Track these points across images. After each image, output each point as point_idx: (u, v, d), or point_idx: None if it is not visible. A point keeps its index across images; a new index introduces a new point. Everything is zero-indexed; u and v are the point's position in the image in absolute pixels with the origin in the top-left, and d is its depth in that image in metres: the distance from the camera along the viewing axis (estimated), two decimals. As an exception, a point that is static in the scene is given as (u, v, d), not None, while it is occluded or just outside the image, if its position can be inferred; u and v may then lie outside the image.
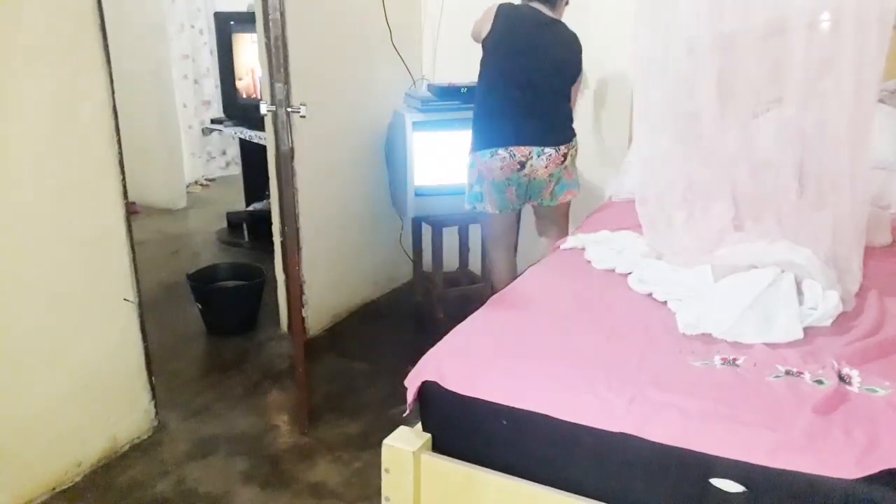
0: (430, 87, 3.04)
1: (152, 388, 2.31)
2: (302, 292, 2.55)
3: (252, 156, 4.10)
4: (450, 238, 3.21)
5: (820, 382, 1.31)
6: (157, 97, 4.59)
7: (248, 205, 4.39)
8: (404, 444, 1.43)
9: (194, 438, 2.30)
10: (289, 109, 2.09)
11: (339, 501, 2.01)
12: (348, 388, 2.61)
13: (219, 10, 4.16)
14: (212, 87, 5.12)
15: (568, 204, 2.70)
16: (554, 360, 1.44)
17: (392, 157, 3.10)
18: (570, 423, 1.31)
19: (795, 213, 1.75)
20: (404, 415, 1.52)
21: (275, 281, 2.99)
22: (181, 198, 4.91)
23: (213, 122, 4.36)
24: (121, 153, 2.07)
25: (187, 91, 5.12)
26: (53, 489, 2.01)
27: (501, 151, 2.47)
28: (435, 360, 1.48)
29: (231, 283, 3.14)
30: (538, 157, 2.48)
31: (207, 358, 2.90)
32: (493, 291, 2.57)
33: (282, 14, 2.03)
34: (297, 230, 2.31)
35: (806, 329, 1.51)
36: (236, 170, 5.28)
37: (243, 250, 4.07)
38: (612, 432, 1.27)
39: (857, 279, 1.70)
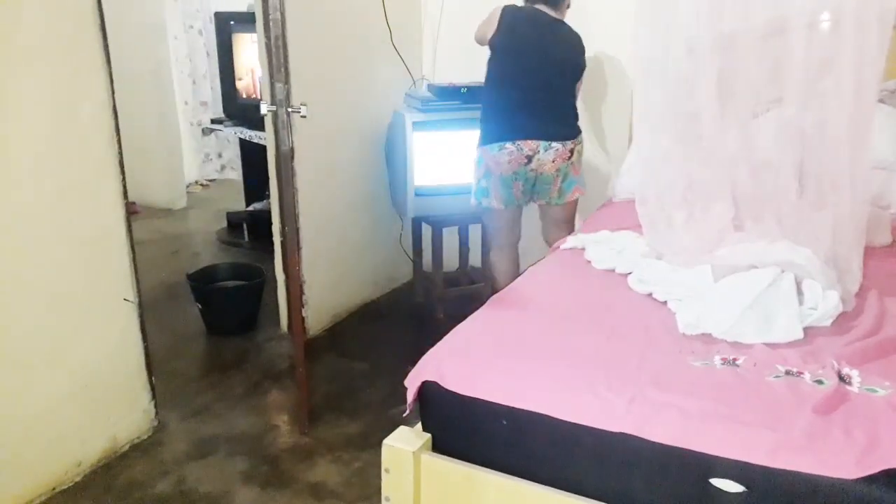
0: (430, 87, 3.04)
1: (152, 388, 2.31)
2: (302, 292, 2.55)
3: (252, 156, 4.10)
4: (450, 238, 3.21)
5: (820, 382, 1.31)
6: (157, 97, 4.59)
7: (248, 205, 4.39)
8: (404, 444, 1.43)
9: (194, 438, 2.30)
10: (289, 109, 2.09)
11: (339, 501, 2.01)
12: (348, 388, 2.61)
13: (219, 10, 4.15)
14: (208, 88, 5.12)
15: (575, 204, 2.74)
16: (554, 360, 1.44)
17: (392, 157, 3.10)
18: (570, 423, 1.31)
19: (795, 213, 1.75)
20: (404, 415, 1.52)
21: (275, 281, 2.99)
22: (181, 198, 4.91)
23: (213, 121, 4.36)
24: (121, 153, 2.07)
25: (188, 91, 5.12)
26: (53, 489, 2.01)
27: (509, 145, 2.51)
28: (435, 360, 1.48)
29: (231, 283, 3.14)
30: (545, 151, 2.52)
31: (207, 358, 2.90)
32: (495, 289, 2.58)
33: (282, 14, 2.03)
34: (297, 230, 2.31)
35: (806, 329, 1.51)
36: (232, 174, 5.29)
37: (243, 250, 4.07)
38: (612, 432, 1.27)
39: (857, 279, 1.70)
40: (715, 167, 1.83)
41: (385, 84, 3.20)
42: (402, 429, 1.49)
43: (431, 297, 3.20)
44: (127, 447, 2.23)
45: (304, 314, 2.73)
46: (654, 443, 1.24)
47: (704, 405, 1.25)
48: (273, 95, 2.09)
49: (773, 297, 1.55)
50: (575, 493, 1.31)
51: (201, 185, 5.42)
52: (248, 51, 3.89)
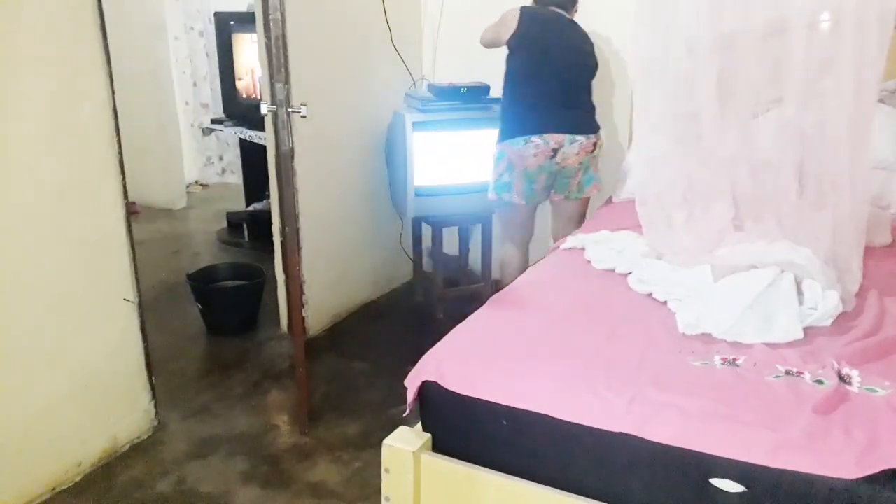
0: (430, 88, 3.04)
1: (152, 388, 2.31)
2: (302, 292, 2.55)
3: (252, 156, 4.10)
4: (450, 238, 3.21)
5: (820, 382, 1.31)
6: (157, 97, 4.59)
7: (248, 205, 4.39)
8: (404, 444, 1.43)
9: (194, 438, 2.30)
10: (289, 109, 2.09)
11: (339, 501, 2.01)
12: (348, 388, 2.61)
13: (218, 10, 4.15)
14: (209, 90, 5.10)
15: (588, 201, 2.78)
16: (554, 360, 1.44)
17: (392, 157, 3.10)
18: (570, 423, 1.31)
19: (795, 213, 1.75)
20: (404, 415, 1.52)
21: (275, 281, 2.99)
22: (181, 198, 4.91)
23: (213, 121, 4.36)
24: (121, 153, 2.07)
25: (189, 91, 5.11)
26: (54, 489, 2.01)
27: (535, 139, 2.55)
28: (435, 360, 1.48)
29: (231, 283, 3.14)
30: (570, 144, 2.57)
31: (207, 358, 2.90)
32: (500, 286, 2.58)
33: (282, 14, 2.03)
34: (297, 230, 2.31)
35: (806, 329, 1.51)
36: (232, 177, 5.27)
37: (243, 250, 4.07)
38: (612, 432, 1.27)
39: (857, 279, 1.70)
40: (715, 167, 1.83)
41: (385, 84, 3.20)
42: (402, 429, 1.49)
43: (431, 297, 3.20)
44: (127, 447, 2.23)
45: (304, 314, 2.73)
46: (654, 443, 1.24)
47: (704, 405, 1.25)
48: (273, 95, 2.09)
49: (773, 297, 1.55)
50: (575, 493, 1.31)
51: (201, 185, 5.42)
52: (249, 51, 3.89)
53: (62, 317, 1.99)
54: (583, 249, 2.06)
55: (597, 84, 3.04)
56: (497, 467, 1.38)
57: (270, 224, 2.95)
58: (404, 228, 3.41)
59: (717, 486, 1.19)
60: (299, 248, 2.31)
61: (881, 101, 2.34)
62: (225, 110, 4.19)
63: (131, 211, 2.20)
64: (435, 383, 1.45)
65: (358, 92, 3.10)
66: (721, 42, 1.77)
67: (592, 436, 1.29)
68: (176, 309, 3.20)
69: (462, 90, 2.92)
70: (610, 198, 2.79)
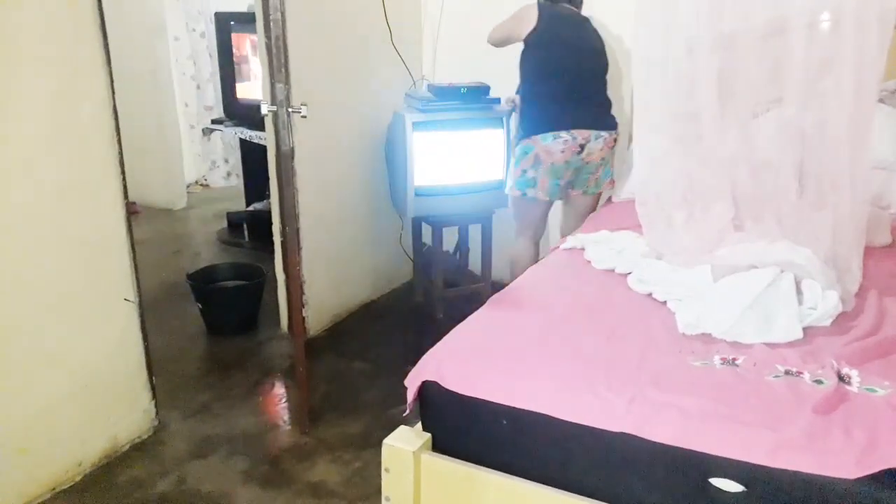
0: (430, 88, 3.04)
1: (153, 388, 2.31)
2: (302, 292, 2.55)
3: (252, 156, 4.11)
4: (450, 238, 3.21)
5: (819, 382, 1.31)
6: (157, 97, 4.59)
7: (248, 205, 4.39)
8: (404, 444, 1.43)
9: (195, 438, 2.30)
10: (289, 110, 2.09)
11: (340, 501, 2.02)
12: (348, 388, 2.61)
13: (219, 10, 4.15)
14: (212, 91, 5.05)
15: (600, 196, 2.82)
16: (554, 360, 1.44)
17: (392, 157, 3.10)
18: (570, 423, 1.31)
19: (795, 213, 1.75)
20: (404, 414, 1.53)
21: (275, 281, 2.99)
22: (181, 198, 4.91)
23: (213, 122, 4.37)
24: (121, 153, 2.07)
25: (191, 92, 5.09)
26: (54, 489, 2.01)
27: (564, 134, 2.58)
28: (435, 360, 1.48)
29: (231, 283, 3.14)
30: (595, 139, 2.61)
31: (208, 358, 2.90)
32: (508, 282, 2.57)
33: (282, 14, 2.03)
34: (298, 230, 2.31)
35: (805, 329, 1.51)
36: (237, 181, 5.24)
37: (243, 250, 4.07)
38: (612, 432, 1.27)
39: (857, 279, 1.70)
40: (715, 167, 1.83)
41: (385, 84, 3.20)
42: (402, 428, 1.49)
43: (431, 297, 3.20)
44: (127, 447, 2.23)
45: (304, 314, 2.73)
46: (653, 443, 1.24)
47: (704, 405, 1.25)
48: (273, 96, 2.09)
49: (773, 297, 1.55)
50: (575, 492, 1.31)
51: (201, 185, 5.42)
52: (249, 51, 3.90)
53: (62, 317, 2.00)
54: (583, 249, 2.06)
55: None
56: (497, 467, 1.38)
57: (270, 224, 2.95)
58: (404, 228, 3.41)
59: (717, 485, 1.19)
60: (299, 248, 2.32)
61: (881, 101, 2.34)
62: (225, 110, 4.19)
63: (131, 211, 2.20)
64: (435, 383, 1.45)
65: (358, 92, 3.10)
66: (721, 42, 1.77)
67: (592, 436, 1.29)
68: (176, 309, 3.20)
69: (462, 90, 2.92)
70: (610, 198, 2.80)
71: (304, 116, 2.12)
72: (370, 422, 2.38)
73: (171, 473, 2.13)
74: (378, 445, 1.46)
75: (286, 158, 2.16)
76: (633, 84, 1.89)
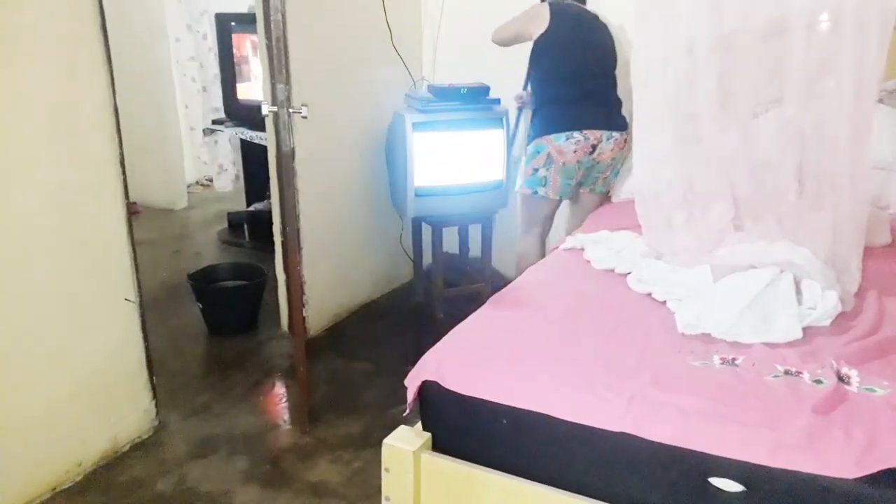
0: (430, 88, 3.04)
1: (153, 388, 2.31)
2: (302, 292, 2.55)
3: (253, 156, 4.11)
4: (450, 238, 3.21)
5: (819, 382, 1.31)
6: (158, 97, 4.59)
7: (248, 205, 4.39)
8: (404, 444, 1.43)
9: (195, 438, 2.30)
10: (290, 110, 2.10)
11: (340, 501, 2.02)
12: (348, 388, 2.62)
13: (219, 11, 4.15)
14: (219, 93, 4.97)
15: (607, 196, 2.82)
16: (554, 360, 1.44)
17: (392, 158, 3.11)
18: (569, 422, 1.31)
19: (795, 213, 1.75)
20: (404, 414, 1.53)
21: (275, 281, 2.99)
22: (182, 198, 4.91)
23: (214, 122, 4.37)
24: (122, 153, 2.07)
25: (191, 93, 5.07)
26: (54, 489, 2.01)
27: (577, 135, 2.59)
28: (435, 360, 1.49)
29: (232, 283, 3.14)
30: (607, 140, 2.62)
31: (208, 358, 2.90)
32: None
33: (283, 15, 2.03)
34: (298, 230, 2.32)
35: (805, 329, 1.51)
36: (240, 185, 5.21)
37: (244, 250, 4.07)
38: (611, 432, 1.27)
39: (856, 279, 1.70)
40: (715, 167, 1.83)
41: (385, 84, 3.20)
42: (402, 428, 1.49)
43: (431, 297, 3.20)
44: (128, 447, 2.23)
45: (304, 314, 2.73)
46: (653, 442, 1.24)
47: (704, 405, 1.26)
48: (274, 96, 2.09)
49: (772, 297, 1.55)
50: (575, 492, 1.31)
51: (202, 184, 5.42)
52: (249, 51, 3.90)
53: (63, 317, 2.00)
54: (582, 249, 2.06)
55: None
56: (497, 467, 1.38)
57: (271, 224, 2.95)
58: (404, 228, 3.41)
59: (717, 485, 1.20)
60: (300, 248, 2.32)
61: (881, 101, 2.34)
62: (226, 111, 4.19)
63: (132, 211, 2.20)
64: (435, 383, 1.45)
65: (358, 92, 3.10)
66: (721, 42, 1.77)
67: (592, 435, 1.29)
68: (177, 309, 3.20)
69: (462, 90, 2.92)
70: (609, 197, 2.80)
71: (304, 117, 2.12)
72: (370, 422, 2.38)
73: (172, 473, 2.13)
74: (378, 445, 1.47)
75: (287, 159, 2.17)
76: (633, 84, 1.89)
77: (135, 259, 2.17)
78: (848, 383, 1.31)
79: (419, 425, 1.50)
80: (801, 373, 1.35)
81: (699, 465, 1.21)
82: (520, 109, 2.99)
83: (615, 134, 2.63)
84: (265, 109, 2.19)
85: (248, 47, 3.92)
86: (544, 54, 2.65)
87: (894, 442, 1.13)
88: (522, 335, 1.56)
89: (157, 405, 2.33)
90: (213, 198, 5.14)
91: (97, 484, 2.07)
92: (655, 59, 1.85)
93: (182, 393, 2.56)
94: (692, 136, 1.85)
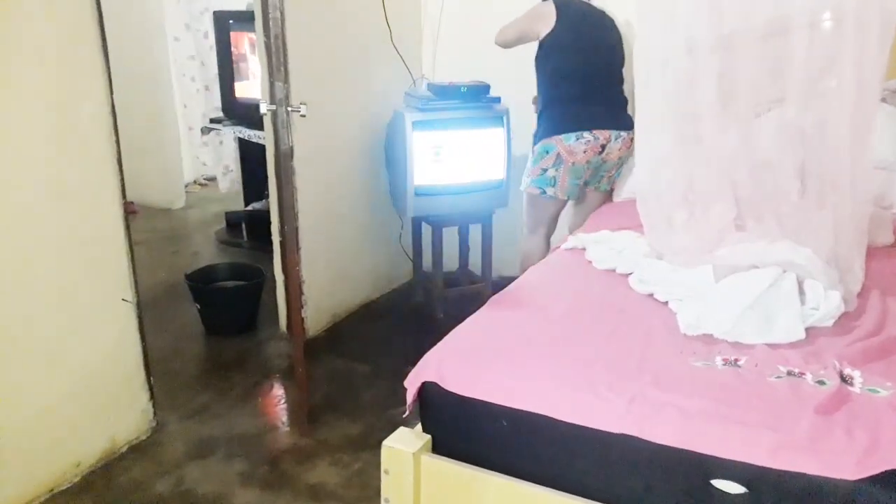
0: (430, 87, 3.03)
1: (151, 389, 2.30)
2: (301, 292, 2.54)
3: (251, 155, 4.09)
4: (450, 238, 3.21)
5: (822, 383, 1.30)
6: (156, 96, 4.58)
7: (246, 204, 4.38)
8: (404, 445, 1.43)
9: (193, 439, 2.29)
10: (289, 109, 2.09)
11: (339, 502, 2.01)
12: (348, 389, 2.61)
13: (217, 9, 4.14)
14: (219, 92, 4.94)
15: (611, 194, 2.81)
16: (554, 361, 1.44)
17: (392, 157, 3.10)
18: (570, 423, 1.31)
19: (796, 213, 1.75)
20: (404, 415, 1.52)
21: (274, 281, 2.98)
22: (180, 197, 4.90)
23: (212, 121, 4.36)
24: (119, 153, 2.06)
25: (190, 92, 5.05)
26: (52, 490, 2.00)
27: (587, 135, 2.59)
28: (435, 361, 1.48)
29: (230, 283, 3.13)
30: (615, 140, 2.62)
31: (206, 358, 2.89)
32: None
33: (281, 13, 2.02)
34: (297, 230, 2.31)
35: (807, 329, 1.51)
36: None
37: (242, 250, 4.06)
38: (612, 433, 1.27)
39: (859, 279, 1.70)
40: (716, 167, 1.83)
41: (385, 83, 3.19)
42: (401, 430, 1.48)
43: (431, 297, 3.20)
44: (125, 448, 2.22)
45: (303, 314, 2.73)
46: (654, 443, 1.23)
47: (705, 405, 1.25)
48: (272, 95, 2.08)
49: (775, 298, 1.55)
50: (575, 493, 1.31)
51: (200, 184, 5.41)
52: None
53: (60, 317, 1.99)
54: (583, 249, 2.06)
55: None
56: (497, 468, 1.38)
57: (269, 224, 2.94)
58: (404, 228, 3.40)
59: (718, 487, 1.19)
60: (298, 248, 2.31)
61: (882, 100, 2.33)
62: (223, 109, 4.18)
63: (129, 210, 2.19)
64: (435, 384, 1.44)
65: (358, 91, 3.10)
66: (721, 42, 1.77)
67: (593, 436, 1.29)
68: (175, 309, 3.19)
69: (462, 89, 2.92)
70: (611, 197, 2.79)
71: (303, 115, 2.12)
72: (370, 423, 2.37)
73: (170, 474, 2.12)
74: (378, 447, 1.46)
75: (285, 158, 2.16)
76: (634, 84, 1.89)
77: (132, 259, 2.16)
78: (851, 384, 1.31)
79: (419, 427, 1.49)
80: (803, 373, 1.34)
81: (701, 466, 1.20)
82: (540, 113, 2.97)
83: (623, 133, 2.62)
84: (263, 108, 2.18)
85: (247, 45, 3.91)
86: (551, 53, 2.64)
87: (897, 443, 1.13)
88: (523, 336, 1.55)
89: (154, 406, 2.32)
90: (211, 197, 5.13)
91: (95, 485, 2.06)
92: (655, 59, 1.84)
93: (180, 394, 2.55)
94: (693, 136, 1.85)
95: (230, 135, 4.19)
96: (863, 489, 1.10)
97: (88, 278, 2.05)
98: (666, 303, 1.68)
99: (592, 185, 2.77)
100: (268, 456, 2.22)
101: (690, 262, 1.75)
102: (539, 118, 2.76)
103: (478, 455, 1.41)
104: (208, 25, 4.75)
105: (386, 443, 1.44)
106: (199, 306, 3.03)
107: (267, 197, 3.48)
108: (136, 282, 2.19)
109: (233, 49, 3.95)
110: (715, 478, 1.19)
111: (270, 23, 2.04)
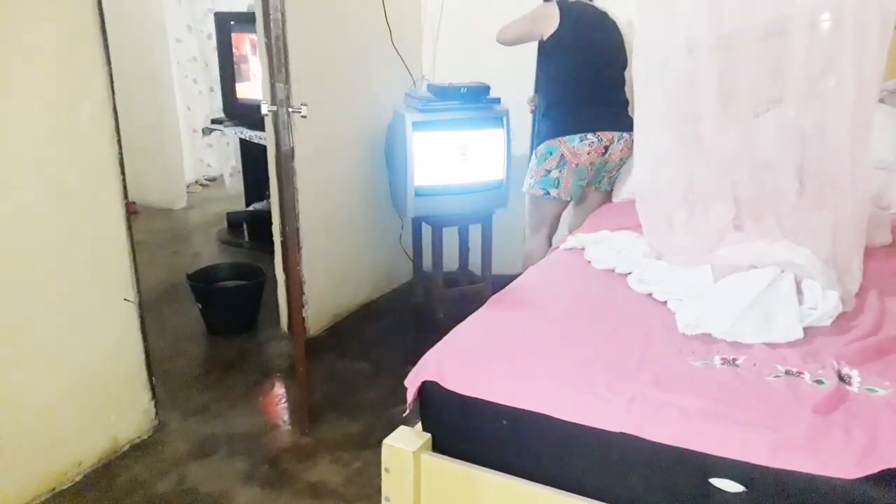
0: (430, 87, 3.04)
1: (152, 388, 2.31)
2: (302, 292, 2.55)
3: (252, 156, 4.10)
4: (450, 238, 3.21)
5: (820, 382, 1.31)
6: (157, 97, 4.59)
7: (248, 205, 4.39)
8: (404, 444, 1.43)
9: (194, 438, 2.30)
10: (289, 109, 2.09)
11: (340, 501, 2.01)
12: (348, 388, 2.61)
13: (218, 10, 4.15)
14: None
15: (610, 194, 2.82)
16: (554, 360, 1.44)
17: (392, 157, 3.10)
18: (570, 423, 1.31)
19: (795, 213, 1.75)
20: (404, 415, 1.53)
21: (275, 281, 2.99)
22: (181, 198, 4.91)
23: (213, 121, 4.36)
24: (121, 153, 2.07)
25: (192, 94, 5.04)
26: (54, 489, 2.01)
27: (590, 136, 2.60)
28: (435, 360, 1.48)
29: (231, 283, 3.14)
30: (618, 141, 2.63)
31: (208, 358, 2.90)
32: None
33: (282, 14, 2.03)
34: (297, 230, 2.31)
35: (806, 329, 1.51)
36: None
37: (243, 250, 4.07)
38: (612, 432, 1.27)
39: (857, 279, 1.70)
40: (715, 167, 1.83)
41: (385, 84, 3.20)
42: (402, 429, 1.49)
43: (431, 297, 3.20)
44: (127, 447, 2.23)
45: (304, 314, 2.73)
46: (654, 443, 1.24)
47: (704, 405, 1.25)
48: (273, 95, 2.09)
49: (773, 297, 1.55)
50: (575, 493, 1.31)
51: (201, 184, 5.42)
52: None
53: (62, 317, 1.99)
54: (583, 249, 2.06)
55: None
56: (497, 467, 1.38)
57: (270, 224, 2.94)
58: (404, 228, 3.41)
59: (717, 485, 1.19)
60: (299, 248, 2.31)
61: (881, 100, 2.34)
62: (225, 110, 4.19)
63: (131, 211, 2.20)
64: (435, 383, 1.45)
65: (358, 92, 3.10)
66: (721, 42, 1.77)
67: (592, 436, 1.29)
68: (176, 309, 3.20)
69: (462, 90, 2.92)
70: (610, 197, 2.80)
71: (304, 116, 2.12)
72: (370, 422, 2.38)
73: (171, 474, 2.12)
74: (378, 445, 1.46)
75: (286, 158, 2.16)
76: (634, 84, 1.89)
77: (134, 259, 2.17)
78: (849, 383, 1.31)
79: (419, 426, 1.49)
80: (801, 373, 1.35)
81: (700, 466, 1.21)
82: (534, 113, 2.98)
83: (625, 134, 2.62)
84: (264, 109, 2.18)
85: (248, 46, 3.92)
86: (554, 55, 2.65)
87: (895, 442, 1.13)
88: (523, 335, 1.56)
89: (156, 405, 2.33)
90: (212, 198, 5.13)
91: (96, 484, 2.07)
92: (656, 59, 1.85)
93: (181, 393, 2.55)
94: (692, 136, 1.85)
95: (232, 135, 4.20)
96: (861, 488, 1.11)
97: (90, 278, 2.06)
98: (665, 303, 1.68)
99: (593, 185, 2.78)
100: (269, 455, 2.23)
101: (690, 262, 1.75)
102: (541, 119, 2.77)
103: (478, 454, 1.41)
104: (212, 27, 4.75)
105: (386, 441, 1.45)
106: (200, 306, 3.04)
107: (268, 197, 3.49)
108: (137, 282, 2.19)
109: (234, 50, 3.95)
110: (714, 477, 1.20)
111: (271, 24, 2.04)
